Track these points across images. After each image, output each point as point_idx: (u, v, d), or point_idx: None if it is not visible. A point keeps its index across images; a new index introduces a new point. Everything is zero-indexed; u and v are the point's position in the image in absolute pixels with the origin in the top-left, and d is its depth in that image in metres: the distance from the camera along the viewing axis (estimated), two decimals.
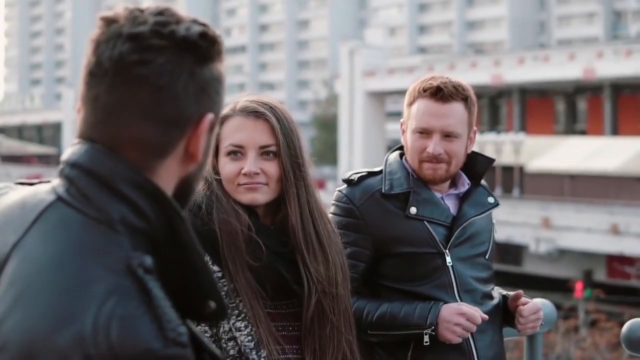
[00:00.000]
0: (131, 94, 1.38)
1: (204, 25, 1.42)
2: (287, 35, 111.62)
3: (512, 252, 37.31)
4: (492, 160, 3.20)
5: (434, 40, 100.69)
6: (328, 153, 68.26)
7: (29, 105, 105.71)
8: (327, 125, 72.14)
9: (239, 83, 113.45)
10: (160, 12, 1.41)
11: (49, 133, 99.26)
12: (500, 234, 34.15)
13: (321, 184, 42.67)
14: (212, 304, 1.43)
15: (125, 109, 1.39)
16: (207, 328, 2.42)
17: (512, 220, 35.56)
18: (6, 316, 1.30)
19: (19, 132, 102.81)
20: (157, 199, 1.40)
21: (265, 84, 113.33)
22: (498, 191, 45.07)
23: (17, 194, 1.49)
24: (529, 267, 37.65)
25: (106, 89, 1.39)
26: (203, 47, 1.42)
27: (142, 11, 1.41)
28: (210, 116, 1.45)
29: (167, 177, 1.44)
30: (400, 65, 57.07)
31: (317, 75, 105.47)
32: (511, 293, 3.17)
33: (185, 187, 1.49)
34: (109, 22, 1.41)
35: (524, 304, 3.04)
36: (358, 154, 53.25)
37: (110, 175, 1.38)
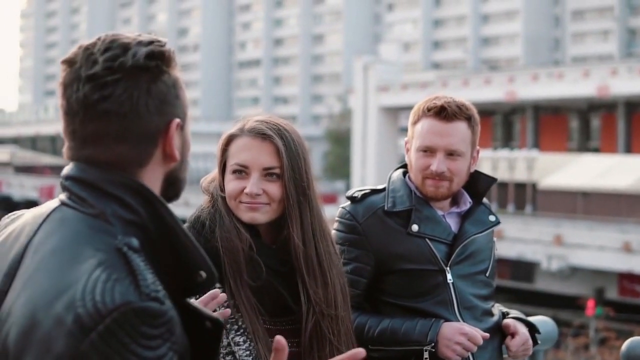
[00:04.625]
0: (102, 126, 1.60)
1: (150, 43, 1.61)
2: (301, 50, 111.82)
3: (523, 269, 37.15)
4: (494, 179, 3.24)
5: (448, 56, 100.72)
6: (341, 167, 68.35)
7: (43, 116, 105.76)
8: (341, 140, 72.18)
9: (253, 97, 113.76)
10: (107, 48, 1.61)
11: (62, 144, 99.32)
12: (512, 251, 34.09)
13: (333, 199, 42.66)
14: (203, 274, 1.61)
15: (100, 138, 1.61)
16: None
17: (524, 237, 35.39)
18: (15, 301, 1.54)
19: (32, 142, 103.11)
20: (140, 193, 1.61)
21: (279, 98, 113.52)
22: (510, 208, 45.00)
23: (33, 210, 1.73)
24: (541, 284, 37.50)
25: (80, 125, 1.62)
26: (152, 66, 1.62)
27: (93, 46, 1.62)
28: (176, 121, 1.65)
29: (152, 178, 1.66)
30: (414, 80, 57.02)
31: (331, 89, 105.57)
32: (512, 311, 3.21)
33: (171, 179, 1.71)
34: (70, 64, 1.63)
35: (513, 335, 3.08)
36: (371, 169, 53.23)
37: (97, 181, 1.59)
